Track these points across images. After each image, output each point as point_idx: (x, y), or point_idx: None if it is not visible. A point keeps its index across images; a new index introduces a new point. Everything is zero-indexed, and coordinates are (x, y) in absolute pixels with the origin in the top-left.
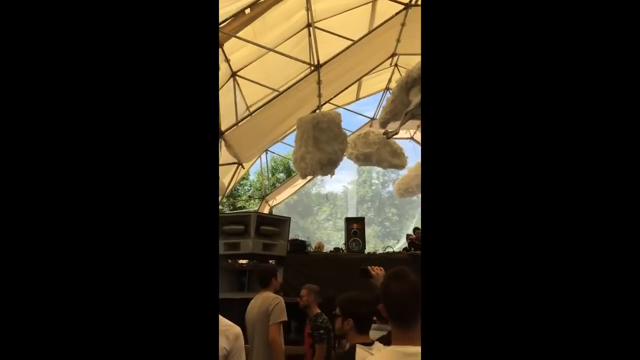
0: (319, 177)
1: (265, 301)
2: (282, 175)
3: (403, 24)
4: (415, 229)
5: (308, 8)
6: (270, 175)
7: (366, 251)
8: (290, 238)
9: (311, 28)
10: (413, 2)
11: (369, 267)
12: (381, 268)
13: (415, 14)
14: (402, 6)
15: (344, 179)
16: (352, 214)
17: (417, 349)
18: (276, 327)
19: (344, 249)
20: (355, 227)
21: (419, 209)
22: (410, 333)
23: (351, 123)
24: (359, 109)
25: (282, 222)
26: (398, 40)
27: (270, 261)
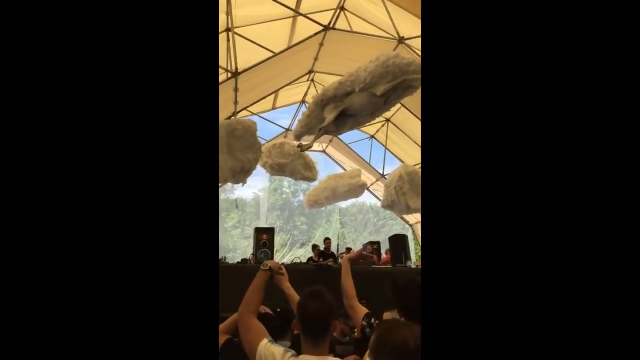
0: (229, 184)
1: None
2: None
3: (321, 44)
4: (325, 239)
5: (228, 12)
6: None
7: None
8: None
9: (230, 33)
10: (331, 25)
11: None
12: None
13: (333, 36)
14: (322, 27)
15: (253, 186)
16: (262, 221)
17: (324, 359)
18: None
19: (250, 259)
20: (264, 238)
21: (327, 219)
22: (319, 347)
23: (265, 131)
24: (275, 118)
25: None
26: (316, 59)
27: None
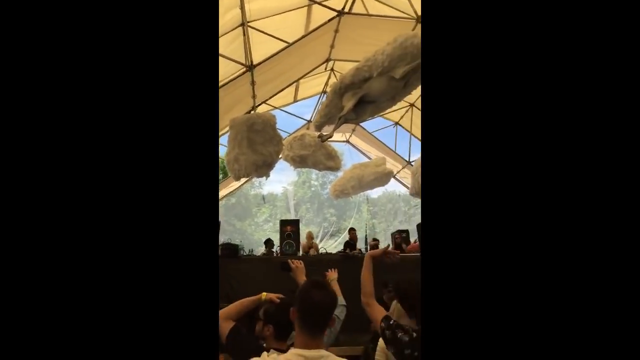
0: (257, 178)
1: None
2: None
3: (336, 31)
4: (350, 229)
5: (242, 7)
6: None
7: (300, 253)
8: (221, 242)
9: (245, 27)
10: (346, 10)
11: (288, 260)
12: (300, 262)
13: (349, 21)
14: (336, 13)
15: (283, 180)
16: (291, 215)
17: (318, 352)
18: None
19: (276, 251)
20: (289, 230)
21: (358, 210)
22: (316, 339)
23: (289, 125)
24: (297, 111)
25: None
26: (332, 46)
27: None
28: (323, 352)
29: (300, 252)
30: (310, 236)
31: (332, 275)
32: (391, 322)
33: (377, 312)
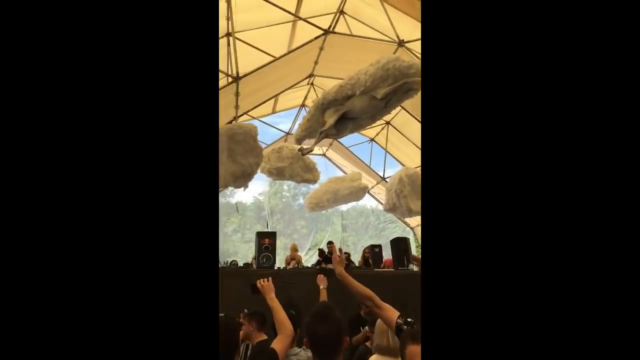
0: (229, 188)
1: None
2: None
3: (321, 48)
4: (328, 243)
5: (229, 17)
6: None
7: (276, 266)
8: None
9: (232, 38)
10: (331, 29)
11: (257, 281)
12: (269, 278)
13: (333, 40)
14: (322, 31)
15: (255, 190)
16: (262, 225)
17: None
18: None
19: (252, 263)
20: (266, 242)
21: (332, 223)
22: None
23: (266, 135)
24: (275, 122)
25: None
26: (316, 62)
27: None
28: None
29: (277, 266)
30: (294, 248)
31: (322, 281)
32: (408, 319)
33: (391, 311)
